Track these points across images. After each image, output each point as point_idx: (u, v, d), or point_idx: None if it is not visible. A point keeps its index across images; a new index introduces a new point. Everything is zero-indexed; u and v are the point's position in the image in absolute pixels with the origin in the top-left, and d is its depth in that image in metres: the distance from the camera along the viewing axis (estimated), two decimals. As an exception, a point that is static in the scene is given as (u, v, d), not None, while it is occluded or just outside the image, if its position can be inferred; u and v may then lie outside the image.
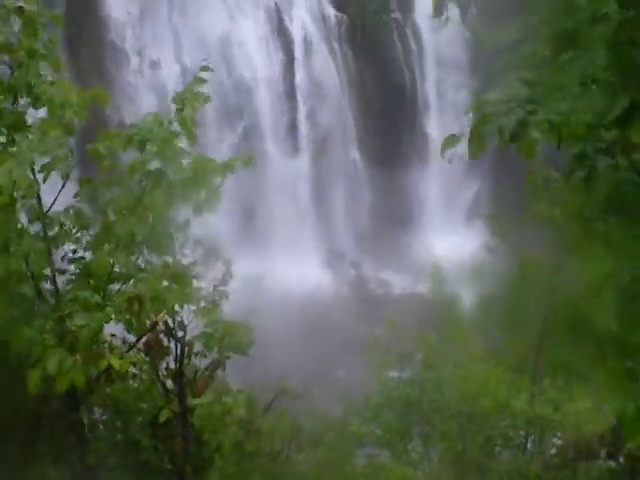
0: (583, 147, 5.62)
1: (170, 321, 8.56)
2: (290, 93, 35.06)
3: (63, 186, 7.80)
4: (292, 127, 34.97)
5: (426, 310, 20.16)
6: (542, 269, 13.84)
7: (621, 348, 7.03)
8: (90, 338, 7.43)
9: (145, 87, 32.07)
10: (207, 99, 8.18)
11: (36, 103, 7.60)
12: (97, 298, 7.69)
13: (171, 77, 32.11)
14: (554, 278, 13.18)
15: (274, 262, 30.84)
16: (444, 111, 35.59)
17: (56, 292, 7.89)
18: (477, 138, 5.17)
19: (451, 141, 5.35)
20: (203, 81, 8.17)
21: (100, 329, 7.54)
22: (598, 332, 7.60)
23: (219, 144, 30.54)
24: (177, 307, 8.37)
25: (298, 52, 35.44)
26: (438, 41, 36.39)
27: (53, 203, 7.93)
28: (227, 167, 8.07)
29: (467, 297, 16.54)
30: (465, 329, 15.51)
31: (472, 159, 5.34)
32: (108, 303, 7.65)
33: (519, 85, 5.43)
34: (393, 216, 34.30)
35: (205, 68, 8.20)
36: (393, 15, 36.55)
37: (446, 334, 15.39)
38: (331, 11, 36.43)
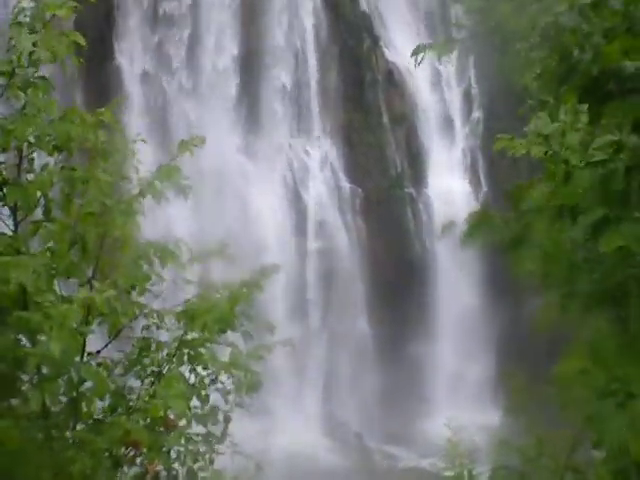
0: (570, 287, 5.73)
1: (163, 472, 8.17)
2: (301, 262, 35.33)
3: None
4: (301, 293, 35.02)
5: (431, 485, 19.36)
6: (557, 443, 13.26)
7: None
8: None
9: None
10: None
11: None
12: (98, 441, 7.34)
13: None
14: (569, 452, 12.60)
15: (274, 427, 30.17)
16: (454, 284, 35.70)
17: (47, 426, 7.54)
18: (471, 233, 5.53)
19: (449, 226, 5.74)
20: None
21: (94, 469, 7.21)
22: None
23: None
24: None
25: (312, 222, 35.99)
26: (450, 215, 36.96)
27: None
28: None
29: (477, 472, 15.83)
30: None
31: (462, 249, 5.58)
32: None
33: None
34: (400, 388, 33.80)
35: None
36: (407, 190, 37.28)
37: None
38: (346, 184, 37.21)
